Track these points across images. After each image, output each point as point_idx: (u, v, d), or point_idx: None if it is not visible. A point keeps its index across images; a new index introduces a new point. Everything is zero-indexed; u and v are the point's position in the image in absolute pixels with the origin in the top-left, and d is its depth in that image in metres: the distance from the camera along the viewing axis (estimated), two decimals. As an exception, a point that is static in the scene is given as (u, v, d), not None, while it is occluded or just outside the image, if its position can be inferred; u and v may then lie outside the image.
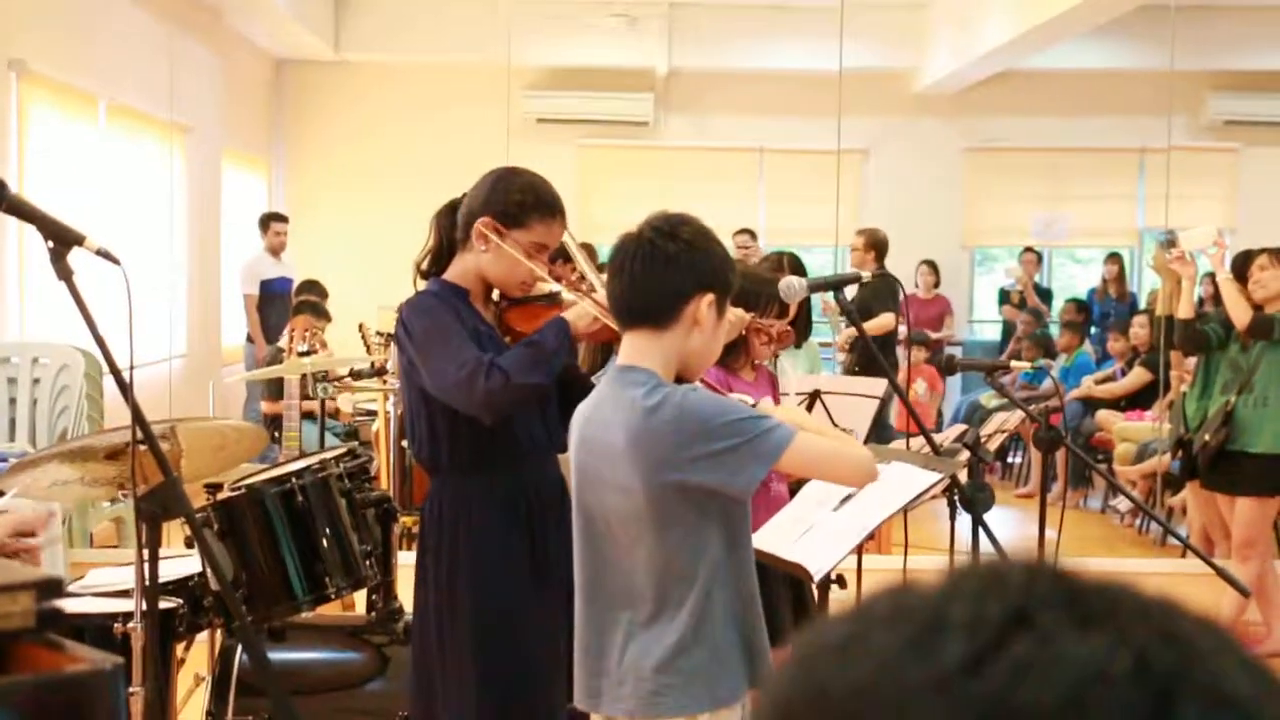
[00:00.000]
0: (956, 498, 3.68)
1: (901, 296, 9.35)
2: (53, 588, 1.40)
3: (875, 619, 0.63)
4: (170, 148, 9.57)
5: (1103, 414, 9.19)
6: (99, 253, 2.58)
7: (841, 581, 3.56)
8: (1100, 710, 0.58)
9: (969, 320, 12.34)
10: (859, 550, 3.63)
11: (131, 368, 2.59)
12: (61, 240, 2.56)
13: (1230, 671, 0.61)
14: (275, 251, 10.19)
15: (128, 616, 3.30)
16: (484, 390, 2.95)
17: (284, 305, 9.38)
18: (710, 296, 2.62)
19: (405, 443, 5.99)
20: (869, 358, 7.48)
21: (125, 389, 2.58)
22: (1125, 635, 0.61)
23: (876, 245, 8.33)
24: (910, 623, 0.63)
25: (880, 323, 7.74)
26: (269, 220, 10.30)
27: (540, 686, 3.08)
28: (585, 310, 3.08)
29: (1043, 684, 0.59)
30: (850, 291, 3.66)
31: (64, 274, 2.55)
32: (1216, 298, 6.53)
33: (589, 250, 9.51)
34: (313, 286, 8.81)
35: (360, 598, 4.64)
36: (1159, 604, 0.64)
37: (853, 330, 7.69)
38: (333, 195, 11.66)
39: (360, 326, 6.55)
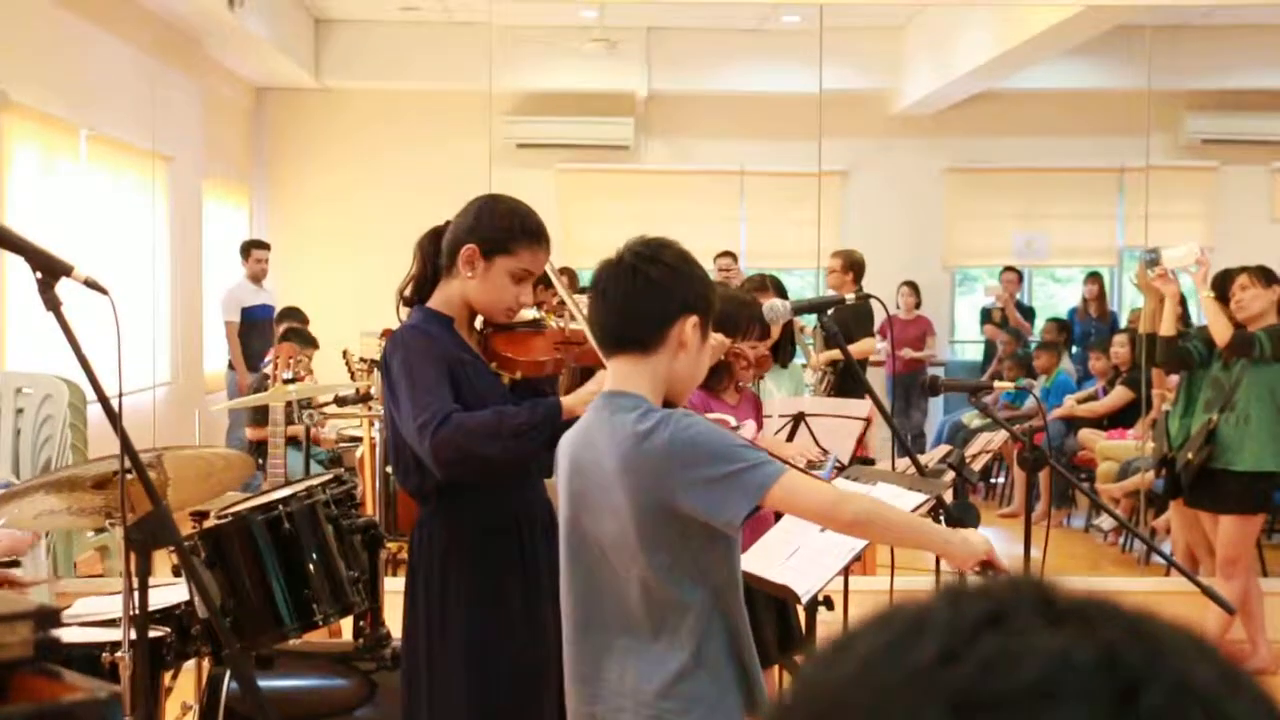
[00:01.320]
0: (942, 518, 3.70)
1: (885, 317, 9.43)
2: (50, 618, 1.40)
3: (866, 627, 0.67)
4: (151, 177, 9.56)
5: (1085, 433, 9.23)
6: (87, 283, 2.58)
7: (829, 603, 3.56)
8: (1066, 698, 0.61)
9: (950, 341, 12.38)
10: (846, 571, 3.64)
11: (120, 396, 2.58)
12: (49, 271, 2.56)
13: (1198, 666, 0.63)
14: (256, 279, 10.19)
15: (115, 645, 3.30)
16: (429, 446, 2.97)
17: (265, 332, 9.38)
18: (694, 318, 2.63)
19: (390, 469, 6.00)
20: (845, 380, 7.50)
21: (114, 418, 2.58)
22: (1094, 632, 0.63)
23: (854, 266, 8.36)
24: (894, 627, 0.66)
25: (860, 348, 7.76)
26: (250, 248, 10.30)
27: (532, 713, 3.08)
28: (589, 395, 3.04)
29: (1011, 674, 0.61)
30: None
31: (52, 304, 2.55)
32: (1185, 319, 6.57)
33: (570, 275, 9.55)
34: (294, 314, 8.81)
35: (347, 624, 4.64)
36: (1132, 610, 0.66)
37: (829, 353, 7.71)
38: (314, 222, 11.67)
39: (344, 353, 6.55)
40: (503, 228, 3.15)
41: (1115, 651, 0.62)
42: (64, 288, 2.61)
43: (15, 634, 1.38)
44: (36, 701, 1.37)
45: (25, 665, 1.39)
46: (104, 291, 2.58)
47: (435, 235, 3.26)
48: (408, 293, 3.30)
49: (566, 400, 3.06)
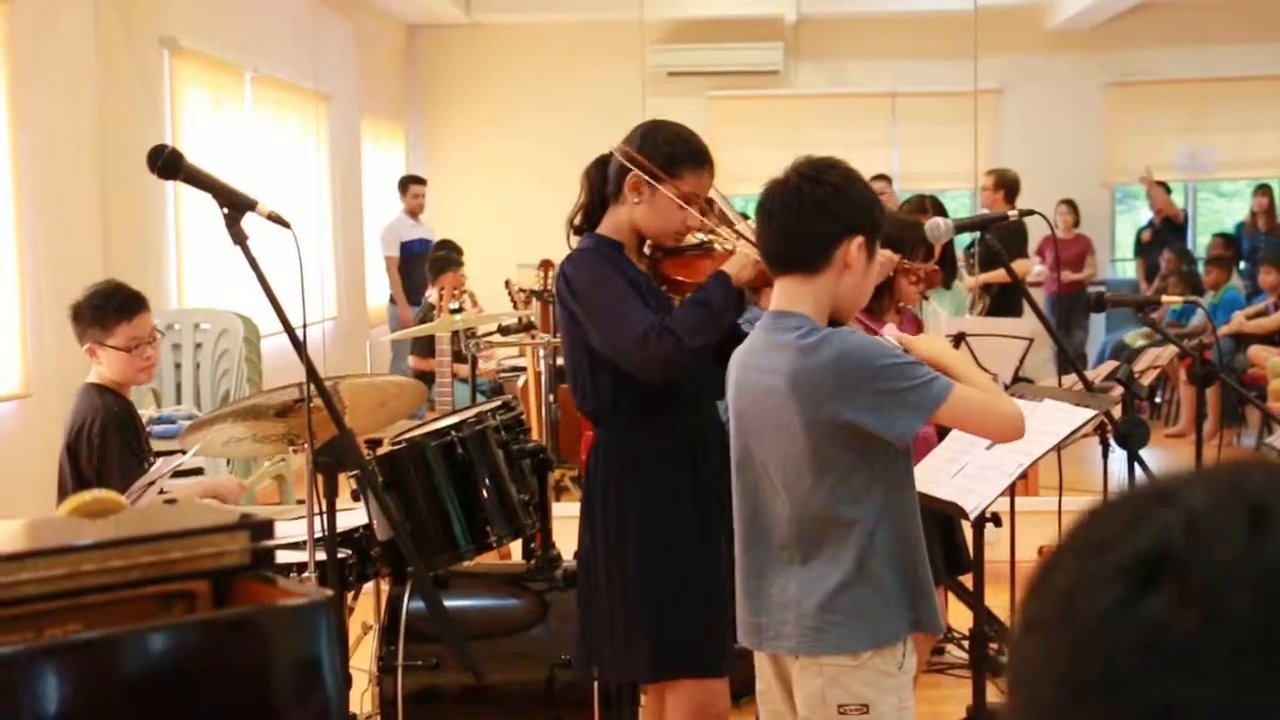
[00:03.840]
0: (1110, 435, 3.66)
1: (1044, 237, 9.28)
2: (265, 528, 1.49)
3: (1124, 494, 0.70)
4: (313, 116, 9.78)
5: (1255, 349, 9.01)
6: (270, 217, 2.67)
7: (997, 520, 3.56)
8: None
9: (1111, 259, 12.13)
10: (1011, 491, 3.64)
11: (305, 326, 2.68)
12: (235, 206, 2.65)
13: None
14: (414, 213, 10.38)
15: (302, 567, 3.43)
16: (656, 354, 3.03)
17: (424, 266, 9.56)
18: (860, 238, 2.64)
19: (552, 397, 6.10)
20: (999, 303, 7.41)
21: (299, 347, 2.68)
22: None
23: (1005, 184, 8.23)
24: (1140, 495, 0.69)
25: (1018, 268, 7.65)
26: (407, 183, 10.49)
27: (707, 626, 3.14)
28: (743, 257, 3.10)
29: None
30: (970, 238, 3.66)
31: (239, 238, 2.64)
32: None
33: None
34: (447, 246, 8.95)
35: (515, 547, 4.76)
36: None
37: (986, 275, 7.63)
38: (468, 156, 11.82)
39: (507, 283, 6.66)
40: (667, 152, 3.18)
41: None
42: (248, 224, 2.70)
43: (235, 542, 1.47)
44: (256, 605, 1.47)
45: (245, 571, 1.48)
46: (286, 225, 2.67)
47: (601, 163, 3.31)
48: (577, 221, 3.35)
49: (727, 268, 3.11)
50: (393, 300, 10.22)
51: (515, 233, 10.10)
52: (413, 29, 12.01)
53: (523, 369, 7.66)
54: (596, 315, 3.13)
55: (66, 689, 1.29)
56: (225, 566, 1.46)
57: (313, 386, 2.83)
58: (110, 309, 3.95)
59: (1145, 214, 11.65)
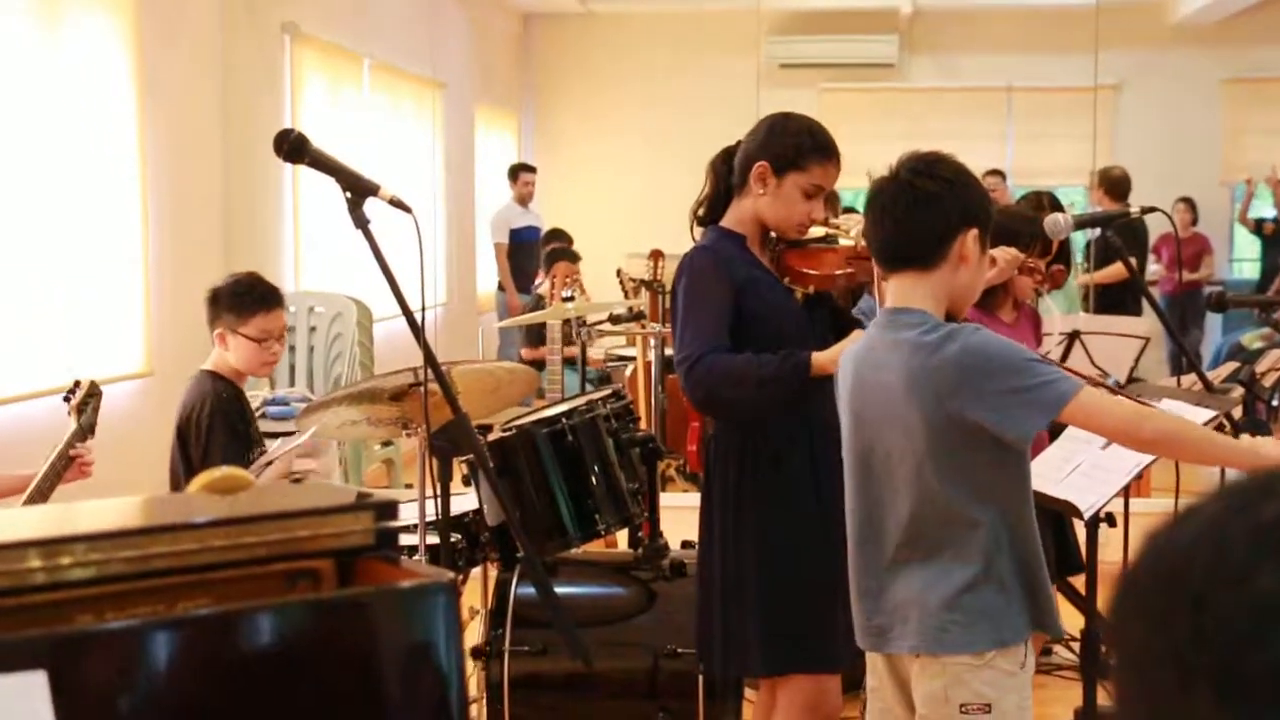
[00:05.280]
0: (1230, 436, 3.58)
1: (1159, 235, 9.11)
2: (389, 510, 1.51)
3: (1213, 496, 0.69)
4: (429, 104, 9.88)
5: (1379, 354, 8.77)
6: (392, 202, 2.69)
7: (1111, 520, 3.51)
8: None
9: (1229, 259, 11.87)
10: (1126, 493, 3.58)
11: (423, 310, 2.71)
12: (358, 191, 2.68)
13: None
14: (523, 201, 10.44)
15: (412, 551, 3.47)
16: (687, 381, 3.12)
17: (533, 254, 9.62)
18: (974, 231, 2.62)
19: (659, 388, 6.12)
20: (1112, 300, 7.30)
21: (417, 331, 2.70)
22: None
23: (1105, 183, 8.11)
24: (1241, 493, 0.69)
25: (1120, 270, 7.55)
26: (518, 171, 10.56)
27: (822, 623, 3.13)
28: (840, 352, 3.06)
29: None
30: (1083, 236, 3.61)
31: (360, 222, 2.67)
32: None
33: (833, 196, 9.49)
34: (558, 235, 8.99)
35: (620, 536, 4.77)
36: None
37: (1104, 271, 7.52)
38: (579, 145, 11.86)
39: (619, 272, 6.68)
40: (794, 144, 3.18)
41: None
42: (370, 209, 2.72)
43: (359, 523, 1.49)
44: (378, 584, 1.49)
45: (368, 551, 1.50)
46: (408, 210, 2.69)
47: (727, 155, 3.31)
48: (701, 213, 3.35)
49: (818, 357, 3.08)
50: (501, 287, 10.29)
51: (624, 222, 10.13)
52: (528, 18, 12.08)
53: (631, 358, 7.69)
54: (675, 323, 3.18)
55: (178, 663, 1.31)
56: (349, 546, 1.48)
57: (429, 370, 2.86)
58: (250, 299, 4.04)
59: (1266, 212, 11.39)
